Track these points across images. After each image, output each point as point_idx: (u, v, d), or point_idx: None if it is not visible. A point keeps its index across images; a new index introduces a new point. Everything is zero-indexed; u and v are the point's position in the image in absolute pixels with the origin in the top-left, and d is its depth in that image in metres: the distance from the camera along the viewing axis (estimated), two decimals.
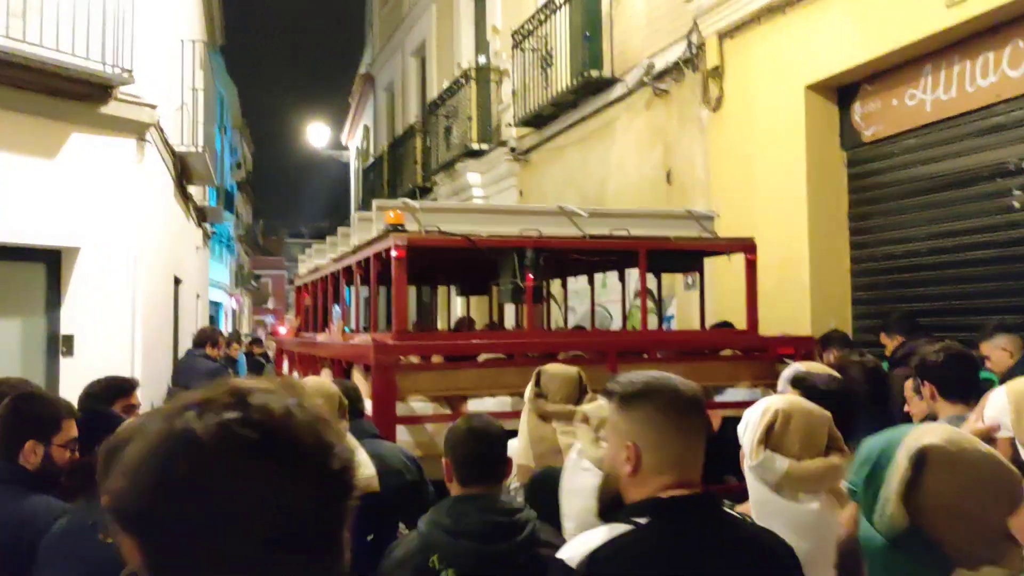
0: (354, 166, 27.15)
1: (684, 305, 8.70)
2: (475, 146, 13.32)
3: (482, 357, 5.26)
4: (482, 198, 13.63)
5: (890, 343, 5.81)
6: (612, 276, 9.52)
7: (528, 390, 3.79)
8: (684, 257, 6.25)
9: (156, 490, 0.92)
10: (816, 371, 3.35)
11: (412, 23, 18.50)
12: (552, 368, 3.84)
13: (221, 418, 0.95)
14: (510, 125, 12.33)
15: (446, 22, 16.16)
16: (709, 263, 6.99)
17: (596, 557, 1.80)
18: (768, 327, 6.89)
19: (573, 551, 1.85)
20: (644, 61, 9.00)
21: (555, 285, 10.47)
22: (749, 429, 2.40)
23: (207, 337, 8.92)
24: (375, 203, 5.66)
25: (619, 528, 1.86)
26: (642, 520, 1.87)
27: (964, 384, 3.53)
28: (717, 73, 8.05)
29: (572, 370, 3.83)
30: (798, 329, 6.96)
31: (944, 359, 3.56)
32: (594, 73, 9.81)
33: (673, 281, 8.97)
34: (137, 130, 7.56)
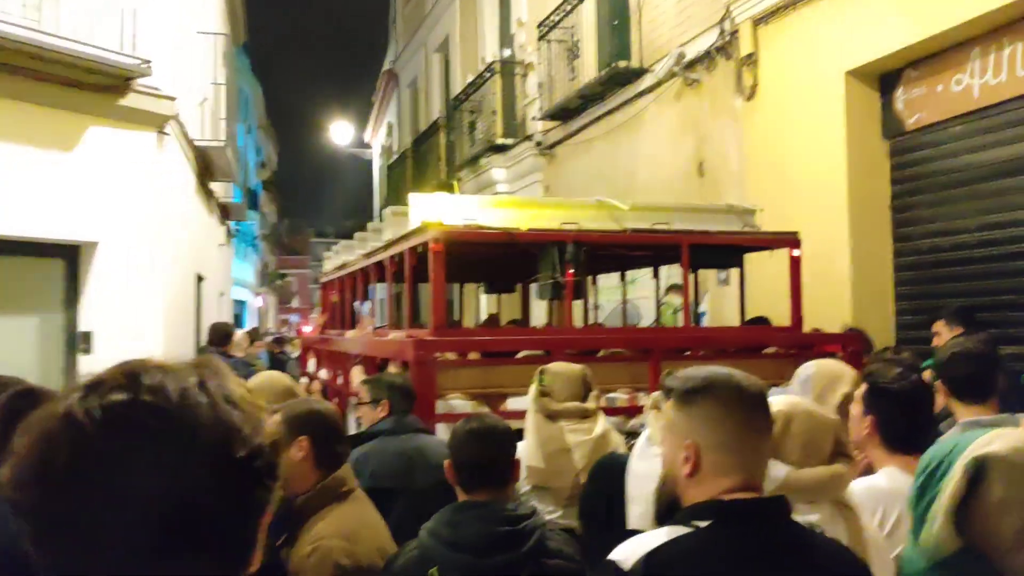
0: (378, 164, 27.05)
1: (716, 300, 8.44)
2: (500, 141, 13.11)
3: (521, 354, 5.14)
4: (507, 193, 13.40)
5: (947, 333, 5.51)
6: (641, 272, 9.31)
7: (532, 390, 3.71)
8: (726, 252, 6.05)
9: (37, 477, 0.86)
10: (883, 368, 3.07)
11: (435, 19, 18.33)
12: (556, 366, 3.76)
13: (106, 400, 0.88)
14: (535, 119, 12.11)
15: (469, 17, 15.97)
16: (745, 257, 6.75)
17: (653, 560, 1.67)
18: (809, 322, 6.67)
19: (628, 552, 1.73)
20: (675, 50, 8.75)
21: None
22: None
23: (223, 334, 8.68)
24: (411, 196, 5.50)
25: (679, 531, 1.73)
26: (703, 524, 1.72)
27: (977, 384, 3.28)
28: (751, 61, 7.78)
29: (576, 367, 3.76)
30: (837, 325, 6.72)
31: (954, 357, 3.31)
32: (622, 64, 9.57)
33: (705, 276, 8.71)
34: (156, 123, 7.40)
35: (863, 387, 2.95)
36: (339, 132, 28.04)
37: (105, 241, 7.09)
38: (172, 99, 7.40)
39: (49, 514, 0.86)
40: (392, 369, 5.02)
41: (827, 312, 6.74)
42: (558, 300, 5.36)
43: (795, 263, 5.66)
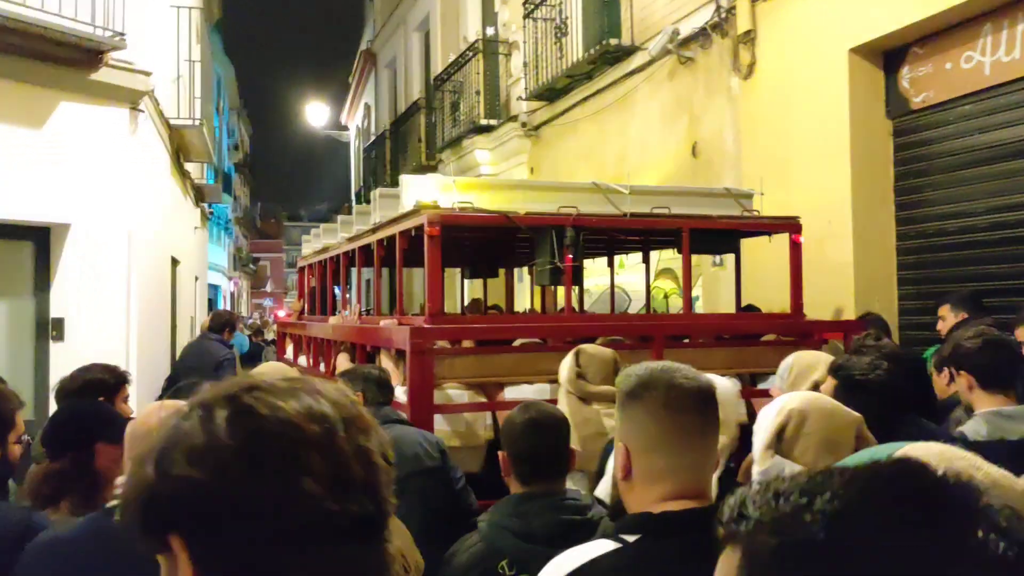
0: (355, 146, 26.64)
1: (711, 284, 8.24)
2: (483, 121, 12.81)
3: (517, 342, 5.03)
4: (491, 175, 13.13)
5: (951, 319, 5.33)
6: (630, 256, 9.10)
7: (567, 370, 3.64)
8: (725, 237, 5.98)
9: (226, 478, 0.89)
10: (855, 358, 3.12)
11: None
12: (591, 348, 3.71)
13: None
14: (521, 98, 11.82)
15: None
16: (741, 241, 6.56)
17: None
18: (808, 309, 6.50)
19: (555, 567, 1.68)
20: (668, 27, 8.49)
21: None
22: (759, 432, 2.14)
23: (225, 322, 8.37)
24: (402, 178, 5.34)
25: (605, 546, 1.64)
26: (631, 538, 1.62)
27: (1004, 373, 3.24)
28: (749, 38, 7.55)
29: (608, 351, 3.72)
30: (838, 311, 6.54)
31: (981, 345, 3.26)
32: (613, 42, 9.31)
33: (698, 260, 8.51)
34: (130, 99, 7.05)
35: (831, 380, 2.90)
36: (315, 113, 27.55)
37: (77, 223, 6.75)
38: (147, 74, 7.06)
39: (224, 514, 0.88)
40: (384, 357, 4.87)
41: (828, 298, 6.57)
42: (557, 285, 5.22)
43: (796, 248, 5.61)
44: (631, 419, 1.73)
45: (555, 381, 4.33)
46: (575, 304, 8.59)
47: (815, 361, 3.26)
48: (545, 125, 11.59)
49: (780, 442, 2.08)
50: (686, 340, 5.28)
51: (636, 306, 9.73)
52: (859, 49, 6.52)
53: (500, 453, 2.59)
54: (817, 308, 6.67)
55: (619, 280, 9.85)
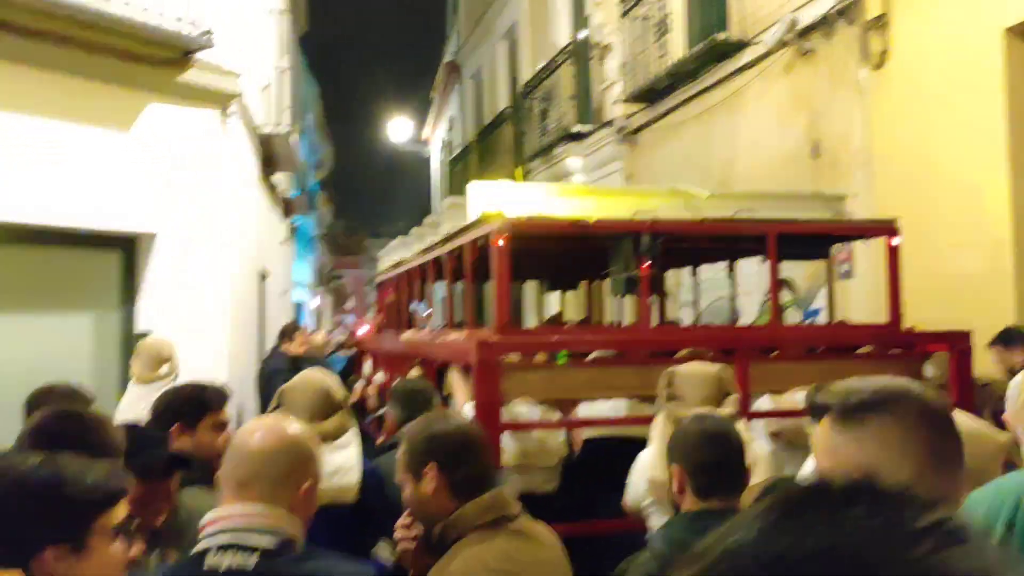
0: (438, 160, 26.41)
1: (837, 298, 7.50)
2: (576, 128, 12.28)
3: (591, 356, 4.77)
4: (584, 184, 12.59)
5: None
6: (745, 266, 8.48)
7: (661, 394, 3.46)
8: (814, 243, 5.63)
9: None
10: None
11: (502, 5, 17.56)
12: (686, 368, 3.50)
13: None
14: (618, 102, 11.26)
15: (539, 1, 15.17)
16: (864, 249, 6.26)
17: None
18: (956, 323, 5.80)
19: None
20: (786, 17, 7.84)
21: (672, 277, 9.49)
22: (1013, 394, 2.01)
23: (283, 331, 8.17)
24: (469, 186, 5.06)
25: None
26: None
27: None
28: (880, 23, 6.85)
29: (711, 368, 3.50)
30: (997, 325, 5.80)
31: None
32: (721, 36, 8.68)
33: (816, 270, 7.82)
34: (220, 101, 6.72)
35: None
36: (397, 129, 27.45)
37: (164, 232, 6.42)
38: (237, 75, 6.72)
39: None
40: (453, 372, 4.64)
41: (985, 311, 5.84)
42: (633, 296, 4.98)
43: (892, 253, 5.18)
44: (847, 446, 1.49)
45: (633, 397, 4.22)
46: (660, 315, 8.15)
47: None
48: (643, 129, 11.00)
49: None
50: (775, 353, 4.85)
51: (745, 320, 9.08)
52: (1018, 28, 5.79)
53: (672, 467, 2.45)
54: (965, 324, 5.94)
55: (726, 293, 9.22)
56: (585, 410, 4.29)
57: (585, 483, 4.08)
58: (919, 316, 6.24)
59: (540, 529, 2.40)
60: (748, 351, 4.36)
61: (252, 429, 2.07)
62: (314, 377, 3.55)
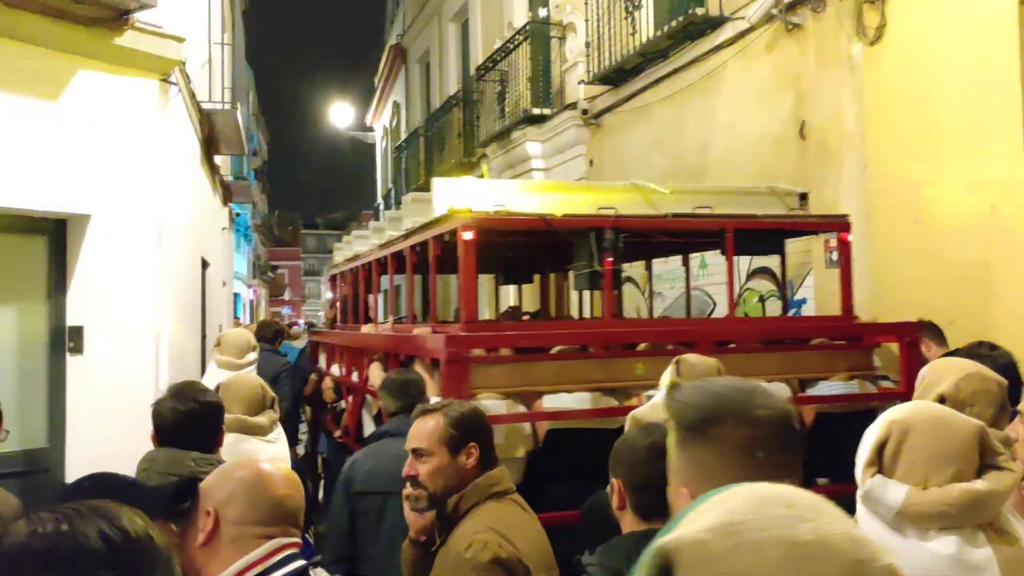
0: (381, 147, 25.65)
1: (825, 286, 7.12)
2: (535, 111, 11.74)
3: (555, 349, 4.80)
4: (543, 170, 12.08)
5: None
6: (714, 256, 8.09)
7: (665, 383, 3.41)
8: (770, 238, 5.76)
9: None
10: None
11: None
12: (693, 358, 3.51)
13: None
14: (582, 82, 10.75)
15: None
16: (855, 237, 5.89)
17: None
18: (960, 313, 5.55)
19: None
20: None
21: (637, 268, 9.11)
22: (861, 449, 1.90)
23: (276, 332, 8.05)
24: (434, 181, 5.17)
25: None
26: None
27: None
28: None
29: (712, 360, 3.55)
30: (1008, 317, 5.45)
31: None
32: (700, 11, 8.21)
33: (801, 259, 7.43)
34: (160, 68, 5.99)
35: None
36: (337, 116, 26.57)
37: (99, 213, 5.69)
38: (180, 40, 6.01)
39: None
40: (418, 367, 4.68)
41: (998, 300, 5.49)
42: (597, 290, 5.18)
43: (845, 247, 5.43)
44: (694, 463, 1.50)
45: (596, 390, 4.39)
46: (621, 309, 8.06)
47: (945, 371, 2.84)
48: (608, 112, 10.52)
49: (881, 459, 1.83)
50: (732, 345, 5.00)
51: (721, 310, 8.69)
52: None
53: (613, 481, 2.26)
54: (972, 311, 5.59)
55: (705, 282, 8.81)
56: (551, 402, 4.36)
57: (550, 474, 4.19)
58: (920, 305, 5.89)
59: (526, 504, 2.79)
60: (706, 344, 4.49)
61: (266, 472, 2.02)
62: (249, 378, 3.89)
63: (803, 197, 5.55)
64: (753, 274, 8.31)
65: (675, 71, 9.06)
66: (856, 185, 6.72)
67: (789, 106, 7.47)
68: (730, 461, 1.45)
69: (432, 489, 2.67)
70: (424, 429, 2.73)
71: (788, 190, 5.58)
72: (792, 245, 6.61)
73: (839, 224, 5.44)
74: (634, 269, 9.59)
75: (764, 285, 8.14)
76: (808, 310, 7.49)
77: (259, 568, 1.82)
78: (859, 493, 1.85)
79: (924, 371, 2.95)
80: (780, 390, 3.73)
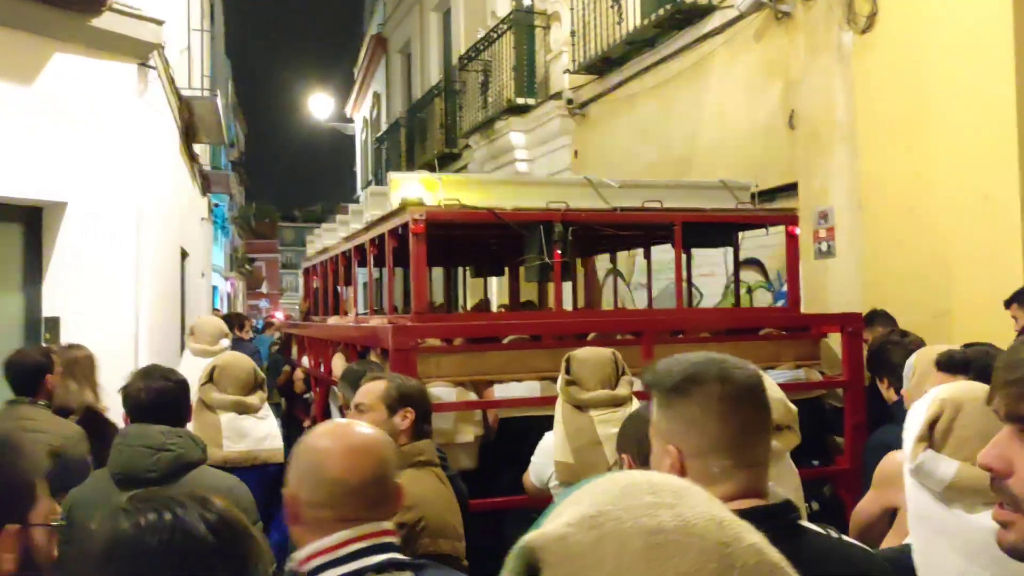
0: (360, 139, 25.44)
1: (814, 278, 7.07)
2: (519, 101, 11.62)
3: (508, 339, 5.01)
4: (526, 160, 11.97)
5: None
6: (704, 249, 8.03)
7: (560, 379, 3.62)
8: (720, 231, 5.92)
9: None
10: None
11: None
12: (582, 353, 3.66)
13: None
14: (567, 72, 10.64)
15: None
16: (847, 227, 6.35)
17: None
18: (953, 303, 5.62)
19: None
20: None
21: (622, 259, 9.07)
22: (910, 426, 1.91)
23: (236, 319, 8.21)
24: (390, 175, 5.34)
25: None
26: None
27: None
28: None
29: (605, 352, 3.67)
30: (1001, 306, 5.40)
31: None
32: (687, 0, 8.12)
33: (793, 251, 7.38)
34: (138, 52, 5.84)
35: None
36: (316, 108, 26.32)
37: (76, 201, 5.54)
38: (159, 23, 5.85)
39: None
40: (372, 357, 4.84)
41: (991, 290, 5.44)
42: (546, 282, 5.35)
43: (792, 241, 5.62)
44: (680, 419, 1.66)
45: (546, 379, 4.44)
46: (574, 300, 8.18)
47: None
48: (594, 102, 10.42)
49: (932, 435, 1.86)
50: (680, 335, 5.21)
51: (711, 301, 8.63)
52: None
53: (623, 457, 2.41)
54: (967, 302, 5.55)
55: (692, 274, 8.77)
56: (501, 391, 4.52)
57: (502, 460, 4.32)
58: (912, 295, 5.85)
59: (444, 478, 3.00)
60: (651, 333, 4.65)
61: (323, 448, 1.84)
62: (242, 358, 4.04)
63: (776, 193, 5.87)
64: (741, 265, 8.25)
65: (662, 60, 8.97)
66: (847, 175, 6.66)
67: (778, 96, 7.40)
68: (713, 413, 1.62)
69: None
70: (368, 388, 3.07)
71: (740, 184, 5.71)
72: (777, 236, 6.54)
73: (787, 218, 5.61)
74: (622, 262, 9.53)
75: (752, 276, 8.08)
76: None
77: (328, 556, 1.71)
78: (908, 467, 1.90)
79: (911, 361, 3.08)
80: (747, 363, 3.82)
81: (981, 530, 1.73)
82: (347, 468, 1.78)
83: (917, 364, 3.12)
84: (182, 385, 3.15)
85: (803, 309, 7.21)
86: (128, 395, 3.06)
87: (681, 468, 1.63)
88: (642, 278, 9.47)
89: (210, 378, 3.86)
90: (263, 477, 3.53)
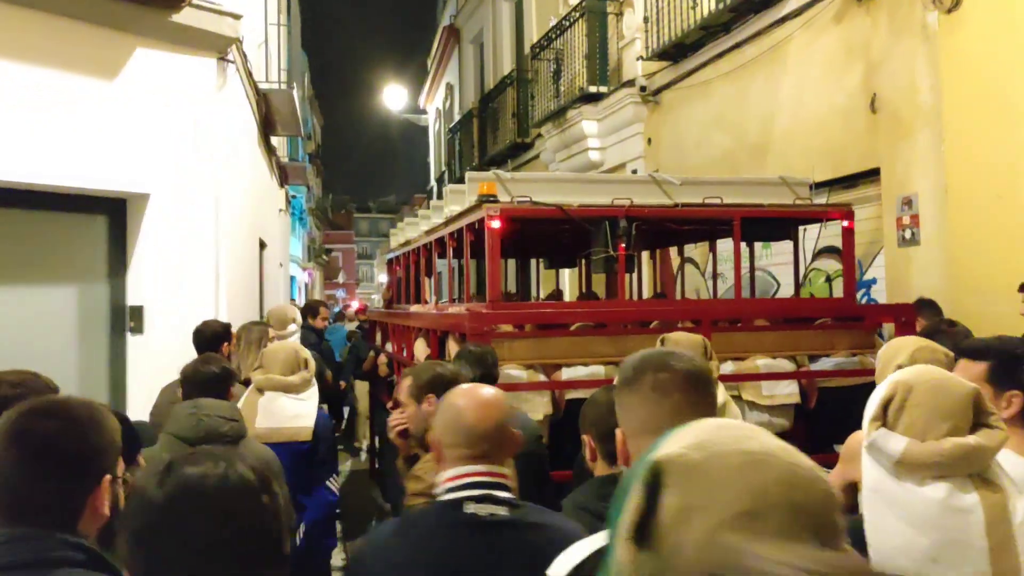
0: (434, 130, 25.60)
1: (898, 266, 6.86)
2: (591, 89, 11.53)
3: (574, 326, 5.26)
4: (598, 149, 11.88)
5: None
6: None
7: None
8: (779, 225, 6.20)
9: None
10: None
11: None
12: (676, 336, 3.82)
13: None
14: (640, 59, 10.52)
15: None
16: (931, 214, 6.24)
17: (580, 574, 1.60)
18: None
19: (560, 565, 1.65)
20: None
21: (698, 250, 8.94)
22: (868, 406, 2.08)
23: (309, 308, 8.36)
24: (467, 175, 5.64)
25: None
26: None
27: None
28: None
29: (696, 337, 3.83)
30: None
31: None
32: None
33: (875, 236, 7.19)
34: (217, 47, 5.96)
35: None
36: (390, 99, 26.54)
37: (158, 193, 5.69)
38: (237, 17, 5.96)
39: None
40: (451, 341, 5.12)
41: None
42: (611, 274, 5.51)
43: (848, 235, 5.73)
44: (625, 406, 1.88)
45: (609, 363, 4.72)
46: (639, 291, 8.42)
47: (899, 347, 3.10)
48: (667, 89, 10.28)
49: (886, 415, 2.04)
50: (739, 323, 5.48)
51: (785, 291, 8.47)
52: None
53: (584, 437, 2.57)
54: None
55: (768, 263, 8.61)
56: (567, 373, 4.77)
57: (567, 437, 4.43)
58: (1001, 283, 5.63)
59: None
60: (708, 322, 4.82)
61: (475, 403, 2.28)
62: (286, 344, 4.58)
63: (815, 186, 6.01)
64: (819, 253, 8.07)
65: (737, 45, 8.80)
66: (932, 160, 6.44)
67: (859, 79, 7.19)
68: (649, 401, 1.82)
69: (412, 430, 3.35)
70: (401, 386, 3.45)
71: (799, 180, 5.91)
72: (861, 224, 6.37)
73: (843, 212, 5.73)
74: (698, 253, 9.41)
75: (832, 265, 7.89)
76: (879, 290, 7.24)
77: (448, 484, 2.19)
78: (864, 443, 2.05)
79: (883, 349, 3.25)
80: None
81: (927, 501, 1.92)
82: (477, 418, 2.22)
83: (882, 356, 3.25)
84: (226, 371, 3.69)
85: (886, 297, 7.05)
86: (184, 373, 3.65)
87: (624, 448, 1.86)
88: (720, 268, 9.37)
89: (259, 363, 4.36)
90: (289, 453, 3.90)
